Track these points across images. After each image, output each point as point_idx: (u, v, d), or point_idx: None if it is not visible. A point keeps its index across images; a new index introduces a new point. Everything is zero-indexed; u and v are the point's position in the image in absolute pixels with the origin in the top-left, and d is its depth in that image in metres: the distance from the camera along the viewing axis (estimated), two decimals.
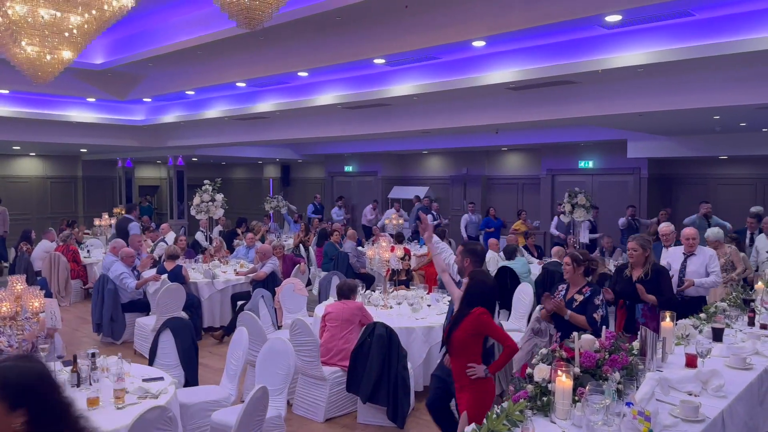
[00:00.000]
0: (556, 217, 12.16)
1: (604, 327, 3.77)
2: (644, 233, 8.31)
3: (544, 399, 2.82)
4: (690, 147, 12.06)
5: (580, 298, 4.41)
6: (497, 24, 6.62)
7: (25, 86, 10.26)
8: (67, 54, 5.75)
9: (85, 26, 5.49)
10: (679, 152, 12.24)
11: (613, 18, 6.22)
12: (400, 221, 13.64)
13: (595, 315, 4.27)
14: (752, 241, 8.85)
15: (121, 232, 10.79)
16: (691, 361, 3.64)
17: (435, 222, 13.84)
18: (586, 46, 7.24)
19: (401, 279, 8.52)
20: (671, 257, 6.08)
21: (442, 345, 4.10)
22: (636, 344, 3.51)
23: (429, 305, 6.54)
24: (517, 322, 6.91)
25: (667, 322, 3.89)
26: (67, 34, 5.43)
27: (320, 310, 6.34)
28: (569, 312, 4.35)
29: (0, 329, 4.68)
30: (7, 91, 11.19)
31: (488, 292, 3.89)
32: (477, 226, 13.86)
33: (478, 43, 7.34)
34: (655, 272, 4.96)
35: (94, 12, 5.38)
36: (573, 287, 4.53)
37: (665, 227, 6.75)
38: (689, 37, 6.49)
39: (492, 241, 10.51)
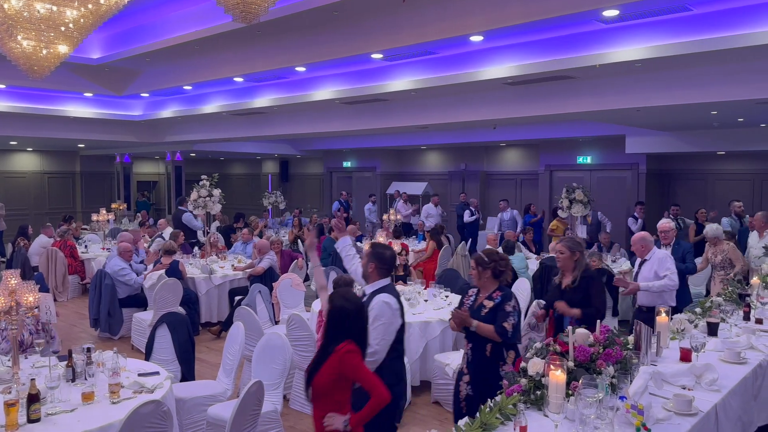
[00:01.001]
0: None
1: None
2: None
3: (538, 393, 2.82)
4: (688, 142, 12.06)
5: (489, 304, 3.89)
6: (495, 18, 6.60)
7: (21, 81, 10.24)
8: (63, 48, 5.71)
9: (82, 20, 5.46)
10: (678, 148, 12.24)
11: (611, 13, 6.21)
12: (396, 217, 13.61)
13: (505, 324, 3.74)
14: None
15: (177, 222, 11.38)
16: (685, 356, 3.65)
17: (473, 218, 13.39)
18: (583, 40, 7.23)
19: (398, 274, 8.52)
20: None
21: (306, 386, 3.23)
22: (631, 338, 3.52)
23: (426, 300, 6.54)
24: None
25: (662, 317, 3.90)
26: (63, 29, 5.39)
27: (317, 305, 6.34)
28: (475, 322, 3.81)
29: None
30: (3, 86, 11.16)
31: (353, 321, 3.05)
32: (511, 224, 13.16)
33: (476, 38, 7.33)
34: (585, 279, 4.40)
35: (90, 6, 5.36)
36: (483, 292, 4.00)
37: (664, 224, 6.51)
38: (687, 31, 6.48)
39: (490, 236, 10.53)
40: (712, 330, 4.25)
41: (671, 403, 2.91)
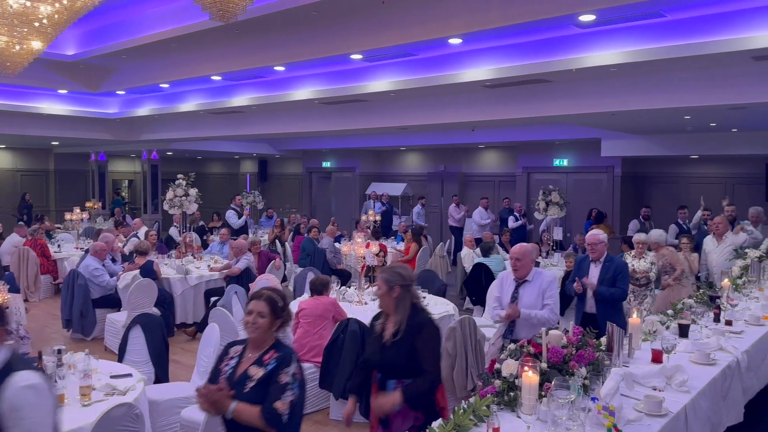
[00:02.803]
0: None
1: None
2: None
3: (511, 394, 2.84)
4: (662, 146, 12.26)
5: (258, 373, 2.70)
6: (474, 21, 6.65)
7: None
8: (37, 44, 5.62)
9: (56, 16, 5.37)
10: (652, 151, 12.44)
11: (588, 17, 6.29)
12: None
13: (278, 404, 2.60)
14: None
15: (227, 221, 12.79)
16: (656, 357, 3.70)
17: (518, 223, 12.66)
18: (560, 45, 7.31)
19: (376, 275, 8.52)
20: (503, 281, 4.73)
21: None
22: (603, 340, 3.56)
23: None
24: (490, 318, 6.96)
25: (634, 318, 3.95)
26: (37, 24, 5.30)
27: (294, 306, 6.31)
28: (232, 407, 2.64)
29: None
30: None
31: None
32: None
33: (455, 41, 7.37)
34: (413, 328, 3.19)
35: (65, 2, 5.27)
36: (252, 350, 2.83)
37: (593, 235, 5.36)
38: (661, 37, 6.59)
39: (467, 237, 10.58)
40: (683, 332, 4.31)
41: (642, 404, 2.95)
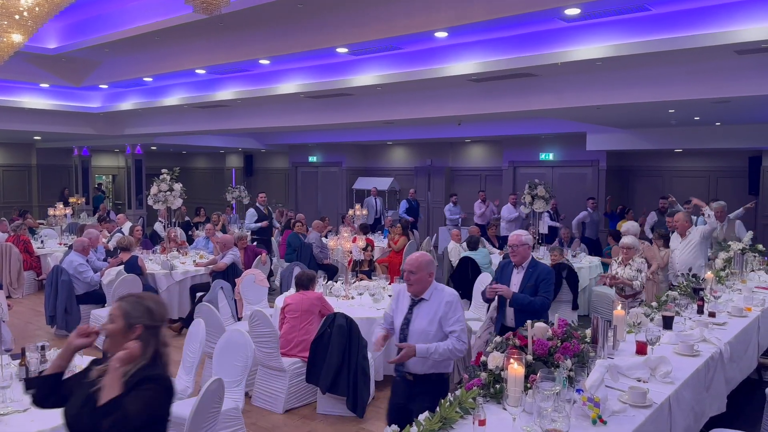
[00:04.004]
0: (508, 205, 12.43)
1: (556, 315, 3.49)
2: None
3: (497, 386, 2.85)
4: (647, 140, 12.35)
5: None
6: (459, 15, 6.64)
7: None
8: (17, 37, 5.52)
9: (36, 9, 5.29)
10: (637, 145, 12.53)
11: (572, 11, 6.30)
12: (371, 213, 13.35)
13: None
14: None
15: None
16: (641, 349, 3.74)
17: (553, 224, 11.80)
18: (545, 38, 7.33)
19: (363, 270, 8.52)
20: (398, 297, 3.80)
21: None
22: (588, 332, 3.58)
23: (390, 296, 6.56)
24: (476, 311, 6.99)
25: (618, 310, 3.98)
26: (17, 17, 5.21)
27: (280, 301, 6.29)
28: None
29: None
30: None
31: None
32: (598, 225, 12.09)
33: (441, 34, 7.35)
34: (139, 382, 2.29)
35: None
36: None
37: (516, 236, 4.70)
38: (646, 31, 6.62)
39: (454, 231, 10.60)
40: (667, 323, 4.36)
41: (626, 396, 2.98)
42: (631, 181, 14.64)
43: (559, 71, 7.93)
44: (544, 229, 10.42)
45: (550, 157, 14.71)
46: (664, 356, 3.48)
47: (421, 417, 2.55)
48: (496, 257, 9.51)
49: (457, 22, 6.68)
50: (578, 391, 2.79)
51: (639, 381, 3.26)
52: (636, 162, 14.41)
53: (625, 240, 6.32)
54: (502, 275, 4.79)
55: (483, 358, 3.07)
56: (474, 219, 13.58)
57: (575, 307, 8.01)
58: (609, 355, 3.60)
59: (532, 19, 6.80)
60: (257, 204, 11.24)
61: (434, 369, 3.57)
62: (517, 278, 4.65)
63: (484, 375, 2.92)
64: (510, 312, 4.64)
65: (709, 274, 5.59)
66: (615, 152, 13.65)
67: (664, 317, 4.42)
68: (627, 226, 7.09)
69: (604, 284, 6.35)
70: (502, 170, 15.56)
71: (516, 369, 2.56)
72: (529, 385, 2.75)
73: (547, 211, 11.89)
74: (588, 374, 2.99)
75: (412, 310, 3.66)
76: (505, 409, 2.60)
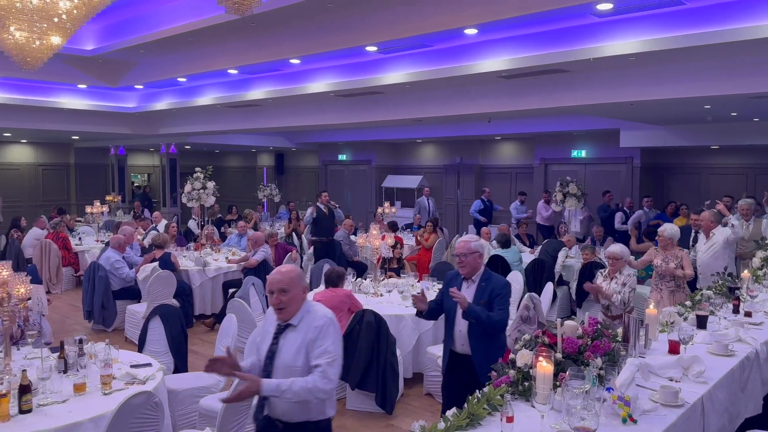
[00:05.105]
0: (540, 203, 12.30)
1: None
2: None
3: (526, 384, 2.84)
4: (682, 137, 12.10)
5: None
6: (489, 11, 6.60)
7: (15, 72, 10.17)
8: (56, 40, 5.69)
9: (75, 11, 5.44)
10: (671, 142, 12.28)
11: (605, 6, 6.21)
12: (392, 211, 13.28)
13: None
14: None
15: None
16: (673, 348, 3.68)
17: (624, 227, 11.14)
18: (578, 34, 7.23)
19: (392, 267, 8.55)
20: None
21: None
22: (620, 331, 3.54)
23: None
24: None
25: (651, 309, 3.93)
26: (56, 20, 5.37)
27: (310, 298, 6.35)
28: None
29: None
30: None
31: None
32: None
33: (470, 31, 7.32)
34: None
35: None
36: None
37: (463, 242, 4.12)
38: (681, 25, 6.49)
39: (484, 229, 10.56)
40: (701, 323, 4.27)
41: (658, 395, 2.94)
42: (666, 179, 14.35)
43: (591, 67, 7.82)
44: (576, 228, 10.30)
45: (583, 154, 14.51)
46: (698, 356, 3.42)
47: (449, 413, 2.56)
48: (527, 256, 9.44)
49: (487, 18, 6.64)
50: (608, 389, 2.77)
51: (671, 380, 3.21)
52: (671, 159, 14.11)
53: (613, 249, 5.49)
54: (448, 290, 4.01)
55: (511, 355, 3.06)
56: (537, 220, 12.93)
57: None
58: (640, 355, 3.56)
59: (564, 15, 6.72)
60: (318, 203, 10.50)
61: (308, 414, 2.85)
62: (467, 293, 3.98)
63: (512, 372, 2.91)
64: (460, 335, 3.96)
65: (745, 273, 5.45)
66: (649, 149, 13.40)
67: (698, 316, 4.34)
68: (666, 227, 6.12)
69: (584, 290, 5.78)
70: (533, 168, 15.41)
71: (545, 367, 2.55)
72: (558, 383, 2.74)
73: (623, 210, 11.60)
74: (618, 373, 2.96)
75: (277, 339, 2.95)
76: (533, 407, 2.59)
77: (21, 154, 18.88)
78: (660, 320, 4.19)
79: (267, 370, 2.94)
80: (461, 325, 3.96)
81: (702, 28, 6.34)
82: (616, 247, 5.52)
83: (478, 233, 10.59)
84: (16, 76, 10.88)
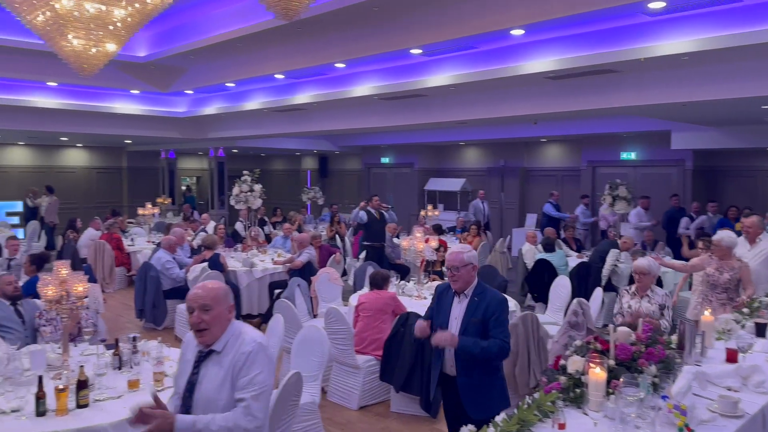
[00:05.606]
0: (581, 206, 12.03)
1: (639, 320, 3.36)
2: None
3: (577, 391, 2.79)
4: (737, 138, 11.67)
5: None
6: (537, 12, 6.52)
7: (72, 79, 10.58)
8: (111, 47, 5.88)
9: (129, 19, 5.61)
10: (726, 144, 11.86)
11: (657, 5, 6.06)
12: (437, 212, 13.11)
13: None
14: None
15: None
16: (731, 356, 3.55)
17: (688, 231, 10.65)
18: (628, 33, 7.07)
19: (436, 270, 8.51)
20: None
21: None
22: (674, 338, 3.44)
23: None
24: (553, 315, 6.84)
25: (706, 316, 3.80)
26: (111, 27, 5.55)
27: (354, 299, 6.39)
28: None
29: (46, 319, 4.88)
30: (55, 84, 11.56)
31: None
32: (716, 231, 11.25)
33: (517, 32, 7.24)
34: None
35: (137, 5, 5.50)
36: None
37: (639, 263, 4.52)
38: (736, 23, 6.26)
39: (529, 233, 10.41)
40: (760, 331, 4.11)
41: (716, 405, 2.84)
42: (720, 182, 13.85)
43: (642, 67, 7.63)
44: (627, 231, 10.04)
45: (632, 156, 14.15)
46: (758, 365, 3.29)
47: (498, 418, 2.53)
48: (574, 260, 9.26)
49: (534, 19, 6.55)
50: (663, 397, 2.69)
51: (729, 390, 3.10)
52: (725, 161, 13.61)
53: (641, 263, 4.81)
54: (439, 305, 3.67)
55: (562, 361, 3.01)
56: (602, 226, 12.26)
57: None
58: (696, 363, 3.44)
59: (613, 14, 6.58)
60: (368, 207, 10.29)
61: None
62: (458, 309, 3.54)
63: (563, 379, 2.86)
64: (450, 356, 3.55)
65: None
66: (702, 151, 12.97)
67: (756, 324, 4.17)
68: (723, 236, 5.40)
69: (620, 324, 4.70)
70: (580, 170, 15.11)
71: (598, 374, 2.49)
72: (610, 390, 2.68)
73: (689, 215, 11.03)
74: (674, 381, 2.87)
75: (198, 367, 2.59)
76: (585, 414, 2.54)
77: (77, 157, 19.60)
78: (716, 327, 4.05)
79: (186, 405, 2.59)
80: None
81: (759, 26, 6.11)
82: (644, 261, 4.84)
83: (549, 236, 10.34)
84: (73, 83, 11.31)
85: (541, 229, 10.65)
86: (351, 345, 5.44)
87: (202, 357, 2.57)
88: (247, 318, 8.46)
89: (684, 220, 11.17)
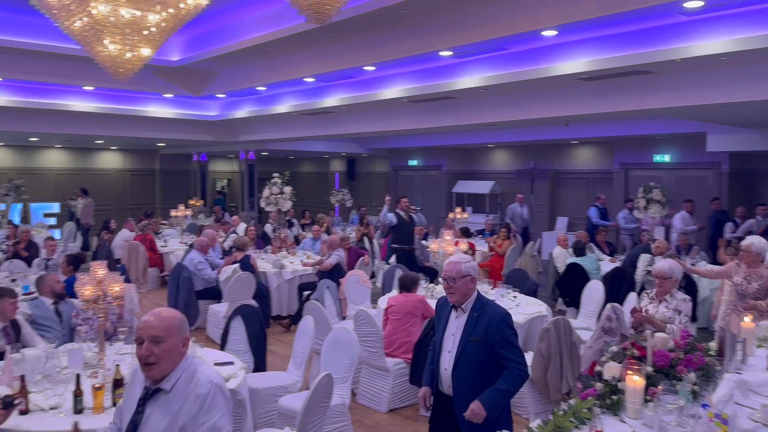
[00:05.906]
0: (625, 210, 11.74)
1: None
2: None
3: (614, 397, 2.73)
4: None
5: None
6: (569, 12, 6.43)
7: (107, 83, 10.82)
8: (146, 51, 5.99)
9: (163, 24, 5.71)
10: (764, 146, 11.54)
11: (694, 4, 5.93)
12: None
13: None
14: None
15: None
16: None
17: (735, 234, 10.21)
18: (663, 33, 6.93)
19: None
20: None
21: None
22: (713, 345, 3.35)
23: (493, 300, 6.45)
24: (586, 320, 6.73)
25: (747, 322, 3.70)
26: (146, 32, 5.65)
27: (383, 302, 6.38)
28: None
29: (82, 318, 4.98)
30: (91, 88, 11.82)
31: None
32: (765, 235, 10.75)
33: (549, 33, 7.16)
34: None
35: (171, 10, 5.60)
36: None
37: (659, 267, 4.40)
38: None
39: (560, 236, 10.28)
40: None
41: (758, 414, 2.75)
42: (758, 186, 13.48)
43: (677, 68, 7.48)
44: (660, 235, 9.84)
45: (666, 158, 13.87)
46: None
47: (533, 424, 2.49)
48: (606, 264, 9.12)
49: (567, 20, 6.47)
50: (704, 406, 2.62)
51: None
52: (763, 164, 13.26)
53: (661, 266, 4.57)
54: (438, 319, 3.43)
55: (597, 367, 2.96)
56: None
57: (694, 319, 7.53)
58: (737, 370, 3.35)
59: (648, 14, 6.46)
60: (397, 210, 10.11)
61: None
62: (455, 325, 3.26)
63: (599, 385, 2.81)
64: (447, 375, 3.25)
65: None
66: (739, 153, 12.65)
67: None
68: (753, 240, 5.11)
69: (633, 320, 4.65)
70: (612, 173, 14.87)
71: (636, 380, 2.44)
72: (648, 397, 2.62)
73: (733, 220, 10.74)
74: (714, 389, 2.80)
75: (143, 406, 2.34)
76: (622, 422, 2.49)
77: (111, 160, 20.01)
78: (756, 334, 3.94)
79: None
80: (447, 363, 3.23)
81: None
82: (665, 264, 4.58)
83: (593, 240, 10.04)
84: (108, 87, 11.55)
85: (588, 232, 10.42)
86: (380, 348, 5.43)
87: (149, 395, 2.32)
88: (277, 319, 8.53)
89: (729, 225, 10.83)
